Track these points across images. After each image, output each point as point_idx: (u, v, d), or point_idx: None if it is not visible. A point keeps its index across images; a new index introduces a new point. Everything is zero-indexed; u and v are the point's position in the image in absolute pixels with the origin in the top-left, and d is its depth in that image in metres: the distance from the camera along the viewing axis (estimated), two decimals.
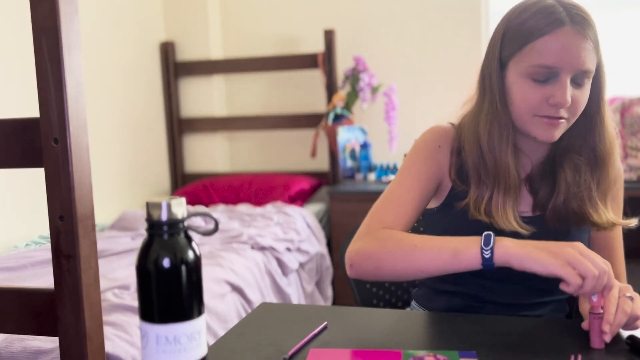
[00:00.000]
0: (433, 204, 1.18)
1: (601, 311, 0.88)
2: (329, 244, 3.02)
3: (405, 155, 1.20)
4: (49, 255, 2.05)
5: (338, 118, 3.15)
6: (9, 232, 2.38)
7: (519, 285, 1.11)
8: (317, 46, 3.35)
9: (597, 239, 1.15)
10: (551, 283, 1.08)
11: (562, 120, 1.02)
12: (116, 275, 1.98)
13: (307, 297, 2.66)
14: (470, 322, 1.01)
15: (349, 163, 3.20)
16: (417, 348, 0.90)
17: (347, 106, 3.18)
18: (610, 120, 1.08)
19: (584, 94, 1.02)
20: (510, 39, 1.04)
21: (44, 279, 1.87)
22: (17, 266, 1.98)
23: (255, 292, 2.21)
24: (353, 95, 3.18)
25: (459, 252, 0.95)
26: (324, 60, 3.23)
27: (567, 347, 0.90)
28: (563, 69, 0.99)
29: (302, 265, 2.67)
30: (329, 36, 3.21)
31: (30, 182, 2.40)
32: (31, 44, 0.72)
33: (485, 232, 0.94)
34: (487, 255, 0.92)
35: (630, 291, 0.92)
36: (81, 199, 0.73)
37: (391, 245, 1.02)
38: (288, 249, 2.57)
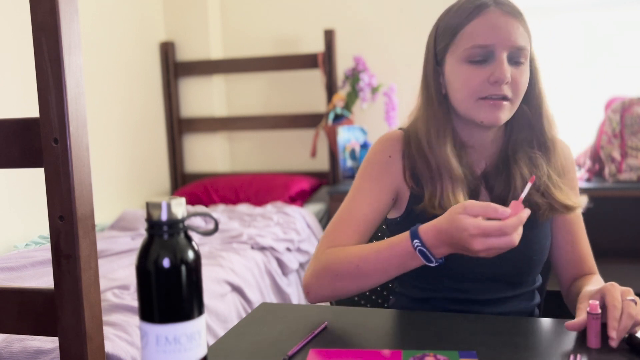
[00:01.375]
0: (396, 214, 1.17)
1: (599, 312, 0.88)
2: None
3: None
4: (49, 255, 2.05)
5: (338, 118, 3.15)
6: (9, 232, 2.38)
7: (489, 282, 1.12)
8: (317, 46, 3.35)
9: (557, 227, 1.16)
10: (519, 276, 1.12)
11: (506, 102, 1.03)
12: (116, 275, 1.98)
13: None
14: (470, 322, 1.01)
15: (349, 163, 3.20)
16: (417, 348, 0.90)
17: (347, 106, 3.18)
18: (550, 107, 1.11)
19: (523, 74, 1.04)
20: (442, 34, 1.09)
21: (44, 279, 1.87)
22: (17, 266, 1.98)
23: (255, 292, 2.21)
24: (353, 95, 3.18)
25: (408, 266, 0.99)
26: (324, 60, 3.23)
27: (567, 347, 0.90)
28: (497, 46, 1.02)
29: (302, 265, 2.68)
30: (329, 36, 3.22)
31: (30, 182, 2.40)
32: (31, 44, 0.72)
33: (416, 246, 0.95)
34: (434, 263, 0.96)
35: (631, 294, 0.92)
36: (81, 199, 0.73)
37: (336, 268, 1.05)
38: (288, 249, 2.57)
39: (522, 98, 1.06)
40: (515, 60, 1.03)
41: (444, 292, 1.15)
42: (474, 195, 1.10)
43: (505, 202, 1.04)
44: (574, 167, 1.19)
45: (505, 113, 1.04)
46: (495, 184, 1.11)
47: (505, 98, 1.03)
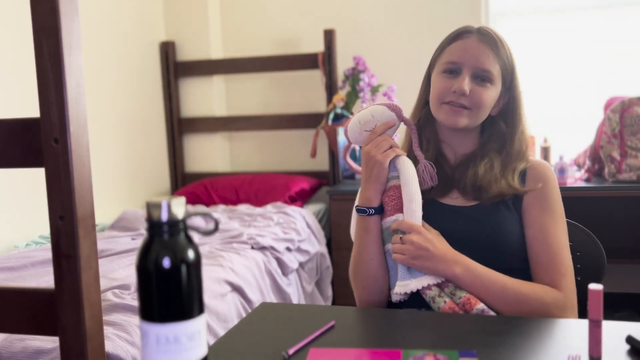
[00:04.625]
0: None
1: (601, 318, 0.85)
2: (329, 244, 3.02)
3: None
4: (49, 255, 2.06)
5: (338, 118, 3.15)
6: (9, 232, 2.38)
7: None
8: (317, 46, 3.35)
9: (529, 223, 1.22)
10: (493, 263, 1.18)
11: (465, 110, 1.21)
12: (116, 275, 1.98)
13: (307, 297, 2.66)
14: (470, 322, 1.01)
15: None
16: (417, 348, 0.91)
17: (347, 106, 3.18)
18: (527, 130, 1.28)
19: (486, 92, 1.22)
20: (437, 51, 1.31)
21: (44, 279, 1.88)
22: (18, 266, 1.99)
23: (255, 292, 2.21)
24: (353, 95, 3.18)
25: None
26: (324, 60, 3.23)
27: (567, 347, 0.90)
28: (464, 65, 1.22)
29: (302, 265, 2.68)
30: (329, 36, 3.22)
31: (31, 182, 2.40)
32: (32, 44, 0.72)
33: None
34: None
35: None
36: (81, 199, 0.74)
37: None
38: (288, 249, 2.57)
39: (484, 111, 1.23)
40: (480, 78, 1.22)
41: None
42: (445, 179, 1.26)
43: (458, 187, 1.25)
44: (549, 185, 1.23)
45: (464, 119, 1.22)
46: (458, 174, 1.27)
47: (464, 107, 1.21)
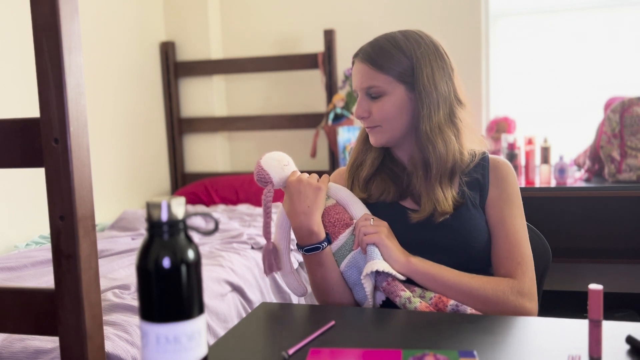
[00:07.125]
0: None
1: (601, 318, 0.85)
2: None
3: None
4: (49, 255, 2.06)
5: (338, 118, 3.16)
6: (9, 232, 2.38)
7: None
8: (317, 46, 3.35)
9: (492, 222, 1.23)
10: (464, 264, 1.19)
11: (376, 128, 1.22)
12: (116, 275, 1.98)
13: (307, 297, 2.66)
14: (470, 322, 1.01)
15: None
16: (417, 348, 0.91)
17: (347, 106, 3.18)
18: (437, 134, 1.19)
19: (382, 105, 1.20)
20: None
21: (44, 279, 1.88)
22: (18, 266, 1.99)
23: (255, 292, 2.21)
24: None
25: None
26: (324, 60, 3.23)
27: (567, 347, 0.90)
28: (358, 89, 1.24)
29: (301, 265, 2.67)
30: (329, 36, 3.22)
31: (31, 182, 2.40)
32: (32, 44, 0.72)
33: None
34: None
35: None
36: (81, 199, 0.74)
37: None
38: None
39: (394, 121, 1.20)
40: (371, 96, 1.22)
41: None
42: (400, 182, 1.27)
43: (408, 191, 1.25)
44: (508, 180, 1.25)
45: (379, 135, 1.23)
46: (410, 185, 1.25)
47: (373, 126, 1.22)
